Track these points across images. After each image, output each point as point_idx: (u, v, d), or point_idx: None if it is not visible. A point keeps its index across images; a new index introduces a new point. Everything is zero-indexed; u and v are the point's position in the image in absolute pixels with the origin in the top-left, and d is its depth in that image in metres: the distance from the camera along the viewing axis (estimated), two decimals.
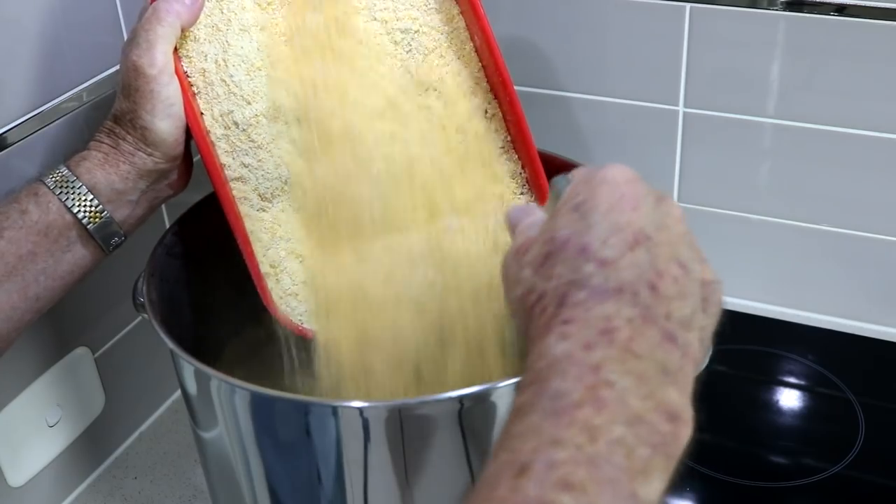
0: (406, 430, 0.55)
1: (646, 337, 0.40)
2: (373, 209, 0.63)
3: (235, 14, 0.64)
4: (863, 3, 0.78)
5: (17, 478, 0.74)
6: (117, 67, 0.63)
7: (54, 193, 0.59)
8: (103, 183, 0.60)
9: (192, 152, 0.64)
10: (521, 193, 0.68)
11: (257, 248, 0.63)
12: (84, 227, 0.60)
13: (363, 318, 0.62)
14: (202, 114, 0.63)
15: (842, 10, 0.79)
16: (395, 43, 0.66)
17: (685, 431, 0.39)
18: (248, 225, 0.63)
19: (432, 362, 0.62)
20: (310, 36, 0.64)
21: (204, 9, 0.62)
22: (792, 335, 0.91)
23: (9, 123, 0.67)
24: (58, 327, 0.76)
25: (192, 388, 0.61)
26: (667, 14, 0.84)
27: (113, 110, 0.62)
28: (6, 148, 0.66)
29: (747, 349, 0.88)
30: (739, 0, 0.81)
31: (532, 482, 0.35)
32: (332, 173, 0.63)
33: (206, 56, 0.63)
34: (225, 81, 0.63)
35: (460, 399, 0.54)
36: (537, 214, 0.49)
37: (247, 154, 0.63)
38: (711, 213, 0.92)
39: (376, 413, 0.55)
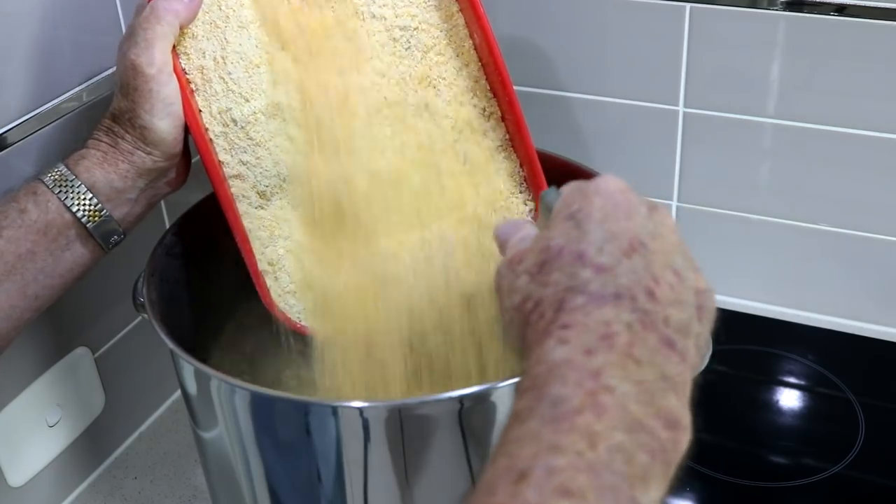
0: (406, 430, 0.55)
1: (645, 342, 0.40)
2: (371, 207, 0.63)
3: (234, 11, 0.63)
4: (863, 3, 0.78)
5: (17, 478, 0.74)
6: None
7: (53, 192, 0.59)
8: (102, 181, 0.60)
9: (191, 150, 0.64)
10: (520, 192, 0.68)
11: (256, 246, 0.63)
12: (83, 225, 0.60)
13: (361, 316, 0.62)
14: (200, 111, 0.63)
15: (842, 10, 0.79)
16: (394, 40, 0.66)
17: (684, 438, 0.39)
18: (247, 223, 0.63)
19: (430, 361, 0.62)
20: (308, 33, 0.64)
21: (202, 6, 0.62)
22: (792, 335, 0.91)
23: (8, 123, 0.67)
24: (58, 327, 0.76)
25: (192, 388, 0.61)
26: (667, 14, 0.84)
27: (111, 109, 0.62)
28: (6, 148, 0.66)
29: (747, 349, 0.88)
30: (739, 0, 0.81)
31: (531, 488, 0.35)
32: (331, 171, 0.63)
33: (204, 53, 0.63)
34: (223, 79, 0.63)
35: (460, 399, 0.54)
36: (527, 229, 0.49)
37: (245, 151, 0.63)
38: (711, 213, 0.92)
39: (376, 413, 0.55)
